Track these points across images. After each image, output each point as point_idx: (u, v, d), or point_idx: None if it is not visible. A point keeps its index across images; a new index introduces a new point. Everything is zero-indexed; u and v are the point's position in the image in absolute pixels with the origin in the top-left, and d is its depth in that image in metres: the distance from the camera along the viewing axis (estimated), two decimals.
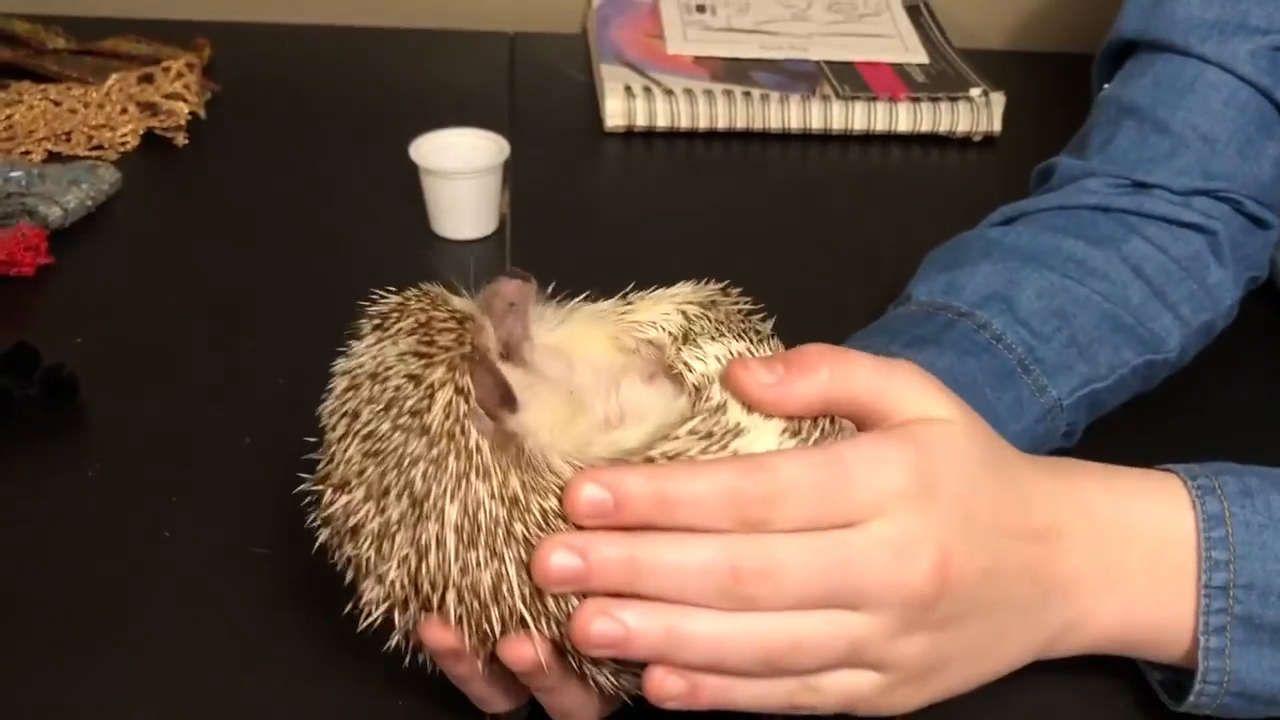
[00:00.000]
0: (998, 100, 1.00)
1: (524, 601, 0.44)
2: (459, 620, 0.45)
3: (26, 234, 0.80)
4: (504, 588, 0.44)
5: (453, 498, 0.44)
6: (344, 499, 0.46)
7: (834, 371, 0.46)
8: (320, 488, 0.48)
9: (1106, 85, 0.77)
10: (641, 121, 0.98)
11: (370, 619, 0.47)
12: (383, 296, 0.50)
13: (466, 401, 0.45)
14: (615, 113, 0.98)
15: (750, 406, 0.46)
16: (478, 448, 0.45)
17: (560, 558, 0.43)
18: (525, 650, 0.45)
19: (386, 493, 0.45)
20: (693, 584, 0.43)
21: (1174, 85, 0.71)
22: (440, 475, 0.44)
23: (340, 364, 0.49)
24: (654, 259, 0.85)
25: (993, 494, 0.47)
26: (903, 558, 0.44)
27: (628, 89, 0.98)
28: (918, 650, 0.46)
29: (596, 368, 0.51)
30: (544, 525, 0.44)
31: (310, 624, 0.58)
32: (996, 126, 1.01)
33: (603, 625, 0.43)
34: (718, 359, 0.49)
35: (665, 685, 0.44)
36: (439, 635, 0.46)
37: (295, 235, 0.87)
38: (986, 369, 0.62)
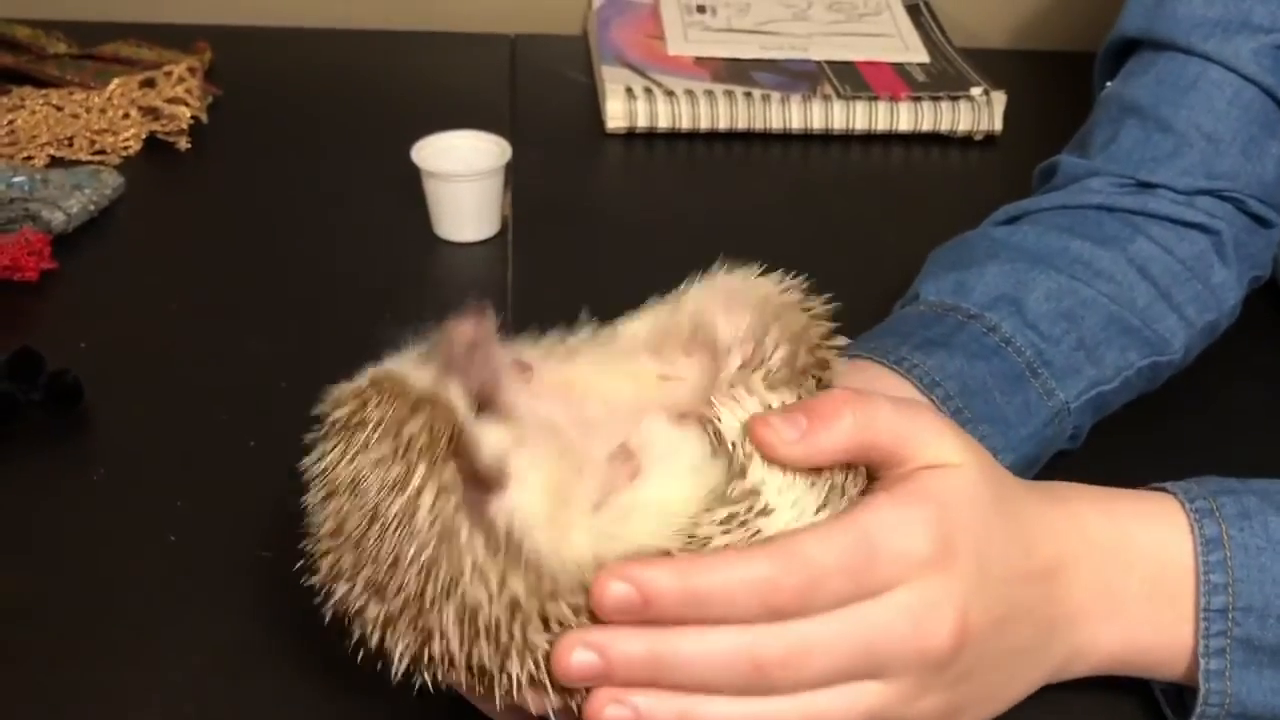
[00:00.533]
0: (998, 99, 1.00)
1: (532, 678, 0.44)
2: (469, 688, 0.46)
3: (30, 239, 0.80)
4: (509, 671, 0.44)
5: (449, 598, 0.44)
6: (343, 588, 0.46)
7: (857, 418, 0.46)
8: (316, 578, 0.47)
9: (1109, 83, 0.77)
10: (643, 123, 0.99)
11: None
12: (335, 394, 0.47)
13: (453, 497, 0.44)
14: (616, 114, 0.98)
15: (773, 463, 0.45)
16: (469, 547, 0.44)
17: (580, 656, 0.43)
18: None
19: (383, 590, 0.45)
20: (714, 675, 0.43)
21: (1177, 84, 0.71)
22: (435, 577, 0.44)
23: (312, 468, 0.47)
24: (656, 260, 0.84)
25: (1002, 538, 0.47)
26: (924, 624, 0.44)
27: (629, 90, 0.99)
28: (933, 707, 0.46)
29: (612, 403, 0.49)
30: (547, 627, 0.44)
31: (316, 628, 0.58)
32: (998, 125, 1.01)
33: (615, 712, 0.43)
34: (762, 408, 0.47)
35: None
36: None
37: (298, 238, 0.88)
38: (996, 372, 0.62)
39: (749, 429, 0.45)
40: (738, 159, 0.99)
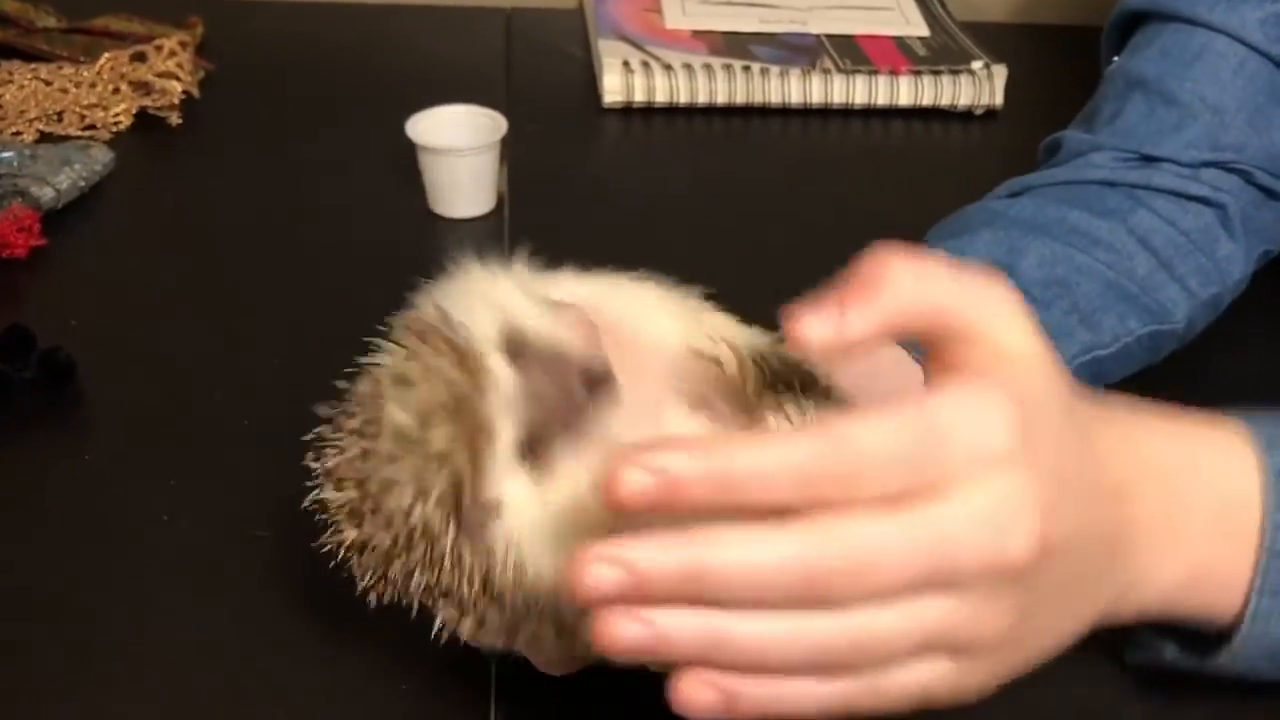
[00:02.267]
0: (999, 73, 0.99)
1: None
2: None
3: (19, 215, 0.79)
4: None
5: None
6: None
7: (910, 283, 0.39)
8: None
9: (1116, 58, 0.76)
10: (640, 97, 0.97)
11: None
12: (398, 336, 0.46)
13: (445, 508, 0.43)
14: (614, 89, 0.97)
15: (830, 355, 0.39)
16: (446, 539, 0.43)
17: (601, 571, 0.35)
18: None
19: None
20: (758, 587, 0.36)
21: (1182, 55, 0.70)
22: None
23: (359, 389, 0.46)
24: (654, 235, 0.84)
25: (1078, 448, 0.42)
26: (1005, 530, 0.38)
27: (626, 64, 0.97)
28: (999, 629, 0.40)
29: (642, 381, 0.46)
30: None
31: (312, 607, 0.57)
32: (998, 100, 1.00)
33: (630, 630, 0.36)
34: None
35: (695, 697, 0.37)
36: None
37: (291, 214, 0.87)
38: None
39: (787, 335, 0.39)
40: (736, 134, 0.98)
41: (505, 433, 0.43)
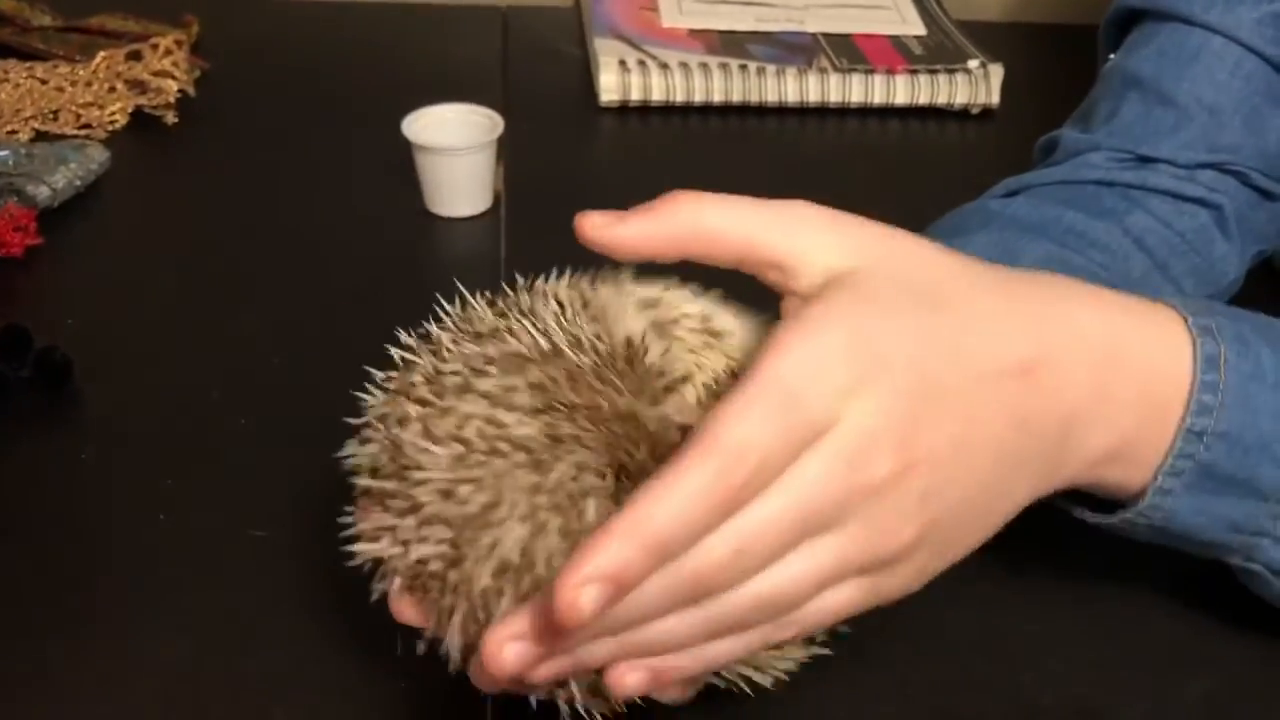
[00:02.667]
0: (996, 72, 0.99)
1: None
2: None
3: (15, 214, 0.79)
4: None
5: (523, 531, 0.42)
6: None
7: (707, 211, 0.43)
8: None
9: (1112, 56, 0.76)
10: (636, 96, 0.97)
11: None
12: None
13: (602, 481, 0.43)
14: (610, 87, 0.97)
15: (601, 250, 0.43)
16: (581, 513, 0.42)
17: (511, 650, 0.40)
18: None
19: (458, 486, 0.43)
20: (653, 607, 0.40)
21: (1179, 55, 0.70)
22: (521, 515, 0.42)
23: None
24: None
25: (950, 339, 0.42)
26: (860, 459, 0.40)
27: (622, 63, 0.97)
28: (900, 541, 0.42)
29: None
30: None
31: (309, 607, 0.57)
32: (995, 99, 1.00)
33: (554, 665, 0.41)
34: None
35: (627, 681, 0.41)
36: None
37: (287, 213, 0.86)
38: None
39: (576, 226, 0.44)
40: (733, 133, 0.98)
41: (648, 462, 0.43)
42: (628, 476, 0.43)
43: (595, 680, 0.43)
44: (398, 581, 0.46)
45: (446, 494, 0.43)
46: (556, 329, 0.45)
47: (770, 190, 0.92)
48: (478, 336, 0.46)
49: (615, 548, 0.38)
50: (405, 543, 0.44)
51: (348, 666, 0.55)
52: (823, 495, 0.40)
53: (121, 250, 0.83)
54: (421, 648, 0.47)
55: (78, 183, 0.84)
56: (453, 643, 0.44)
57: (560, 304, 0.46)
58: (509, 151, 0.89)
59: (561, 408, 0.43)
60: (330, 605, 0.57)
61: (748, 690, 0.47)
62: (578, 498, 0.42)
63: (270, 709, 0.53)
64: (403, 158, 0.85)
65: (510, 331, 0.45)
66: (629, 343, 0.45)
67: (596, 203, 0.91)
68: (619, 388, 0.43)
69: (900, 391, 0.40)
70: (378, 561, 0.46)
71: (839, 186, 0.94)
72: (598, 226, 0.43)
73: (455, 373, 0.44)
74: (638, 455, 0.43)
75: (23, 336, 0.69)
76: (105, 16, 1.03)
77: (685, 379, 0.45)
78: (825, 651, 0.49)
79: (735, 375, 0.46)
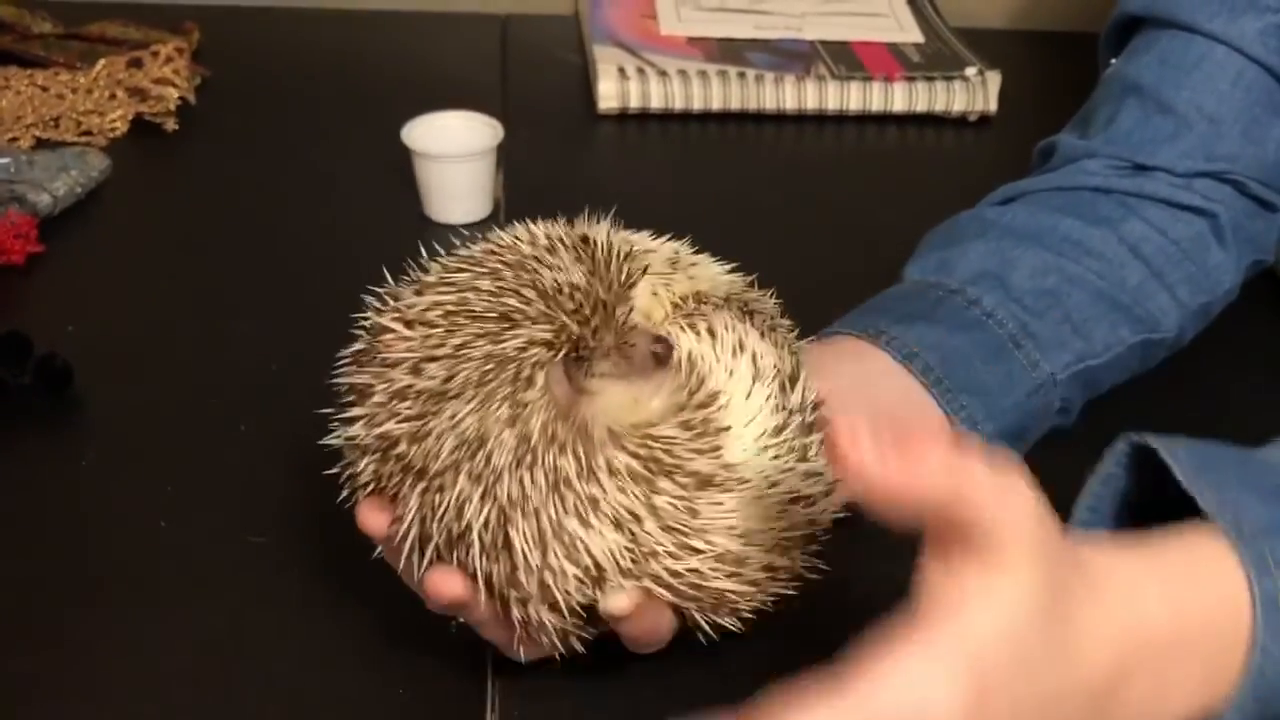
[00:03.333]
0: (993, 79, 1.00)
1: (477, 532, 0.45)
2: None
3: (16, 222, 0.79)
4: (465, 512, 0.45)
5: (468, 407, 0.45)
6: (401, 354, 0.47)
7: (951, 464, 0.40)
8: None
9: (1113, 61, 0.76)
10: (635, 103, 0.98)
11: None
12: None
13: (546, 353, 0.46)
14: (609, 95, 0.97)
15: (850, 478, 0.41)
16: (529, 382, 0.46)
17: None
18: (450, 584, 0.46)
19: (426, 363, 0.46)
20: None
21: (1180, 64, 0.70)
22: (479, 385, 0.45)
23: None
24: None
25: (1051, 663, 0.42)
26: None
27: (621, 70, 0.98)
28: None
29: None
30: (532, 473, 0.45)
31: (308, 612, 0.57)
32: (992, 106, 1.00)
33: None
34: (710, 332, 0.50)
35: None
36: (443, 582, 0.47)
37: (287, 220, 0.87)
38: (977, 343, 0.62)
39: (826, 437, 0.43)
40: (732, 140, 0.99)
41: (607, 340, 0.48)
42: (585, 347, 0.47)
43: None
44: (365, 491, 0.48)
45: (416, 370, 0.46)
46: (527, 237, 0.50)
47: (769, 197, 0.93)
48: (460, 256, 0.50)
49: None
50: (376, 422, 0.47)
51: (347, 672, 0.55)
52: None
53: (122, 257, 0.83)
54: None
55: (79, 190, 0.85)
56: (411, 532, 0.47)
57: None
58: (508, 159, 0.89)
59: (513, 290, 0.47)
60: (329, 610, 0.57)
61: (713, 635, 0.49)
62: (526, 368, 0.46)
63: (268, 712, 0.54)
64: (402, 165, 0.85)
65: (489, 241, 0.51)
66: (584, 237, 0.50)
67: (595, 209, 0.92)
68: (565, 264, 0.48)
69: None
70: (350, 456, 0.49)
71: (837, 194, 0.95)
72: (873, 463, 0.40)
73: (432, 275, 0.50)
74: (593, 322, 0.47)
75: (23, 343, 0.69)
76: (106, 24, 1.03)
77: (643, 268, 0.50)
78: (790, 592, 0.50)
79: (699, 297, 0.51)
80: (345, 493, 0.50)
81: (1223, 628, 0.46)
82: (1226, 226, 0.69)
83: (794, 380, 0.50)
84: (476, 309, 0.46)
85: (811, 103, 0.99)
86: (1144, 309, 0.67)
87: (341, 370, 0.49)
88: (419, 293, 0.48)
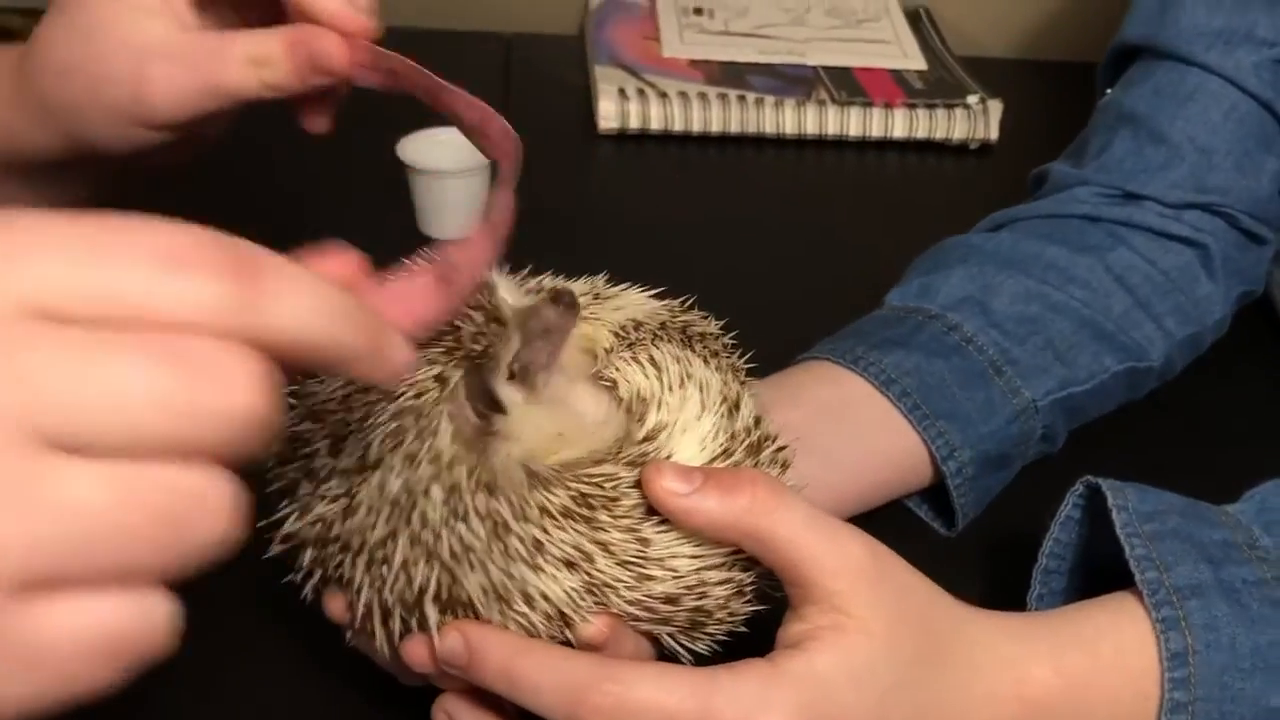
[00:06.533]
0: (995, 108, 0.99)
1: (432, 595, 0.44)
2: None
3: None
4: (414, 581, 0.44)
5: (392, 475, 0.44)
6: (311, 428, 0.46)
7: (758, 504, 0.44)
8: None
9: (1109, 90, 0.76)
10: (635, 124, 0.98)
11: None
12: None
13: (442, 391, 0.44)
14: (608, 115, 0.97)
15: (659, 511, 0.45)
16: (439, 432, 0.44)
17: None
18: (418, 653, 0.45)
19: (341, 444, 0.45)
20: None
21: (1174, 95, 0.70)
22: (393, 450, 0.44)
23: None
24: (644, 261, 0.84)
25: (908, 712, 0.44)
26: None
27: (621, 91, 0.98)
28: None
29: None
30: (468, 523, 0.44)
31: (302, 620, 0.57)
32: (993, 134, 1.00)
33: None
34: (653, 363, 0.48)
35: None
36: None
37: (281, 234, 0.86)
38: (956, 370, 0.62)
39: (642, 473, 0.45)
40: (731, 162, 0.99)
41: (504, 354, 0.46)
42: (483, 370, 0.45)
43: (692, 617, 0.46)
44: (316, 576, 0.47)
45: (334, 453, 0.45)
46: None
47: (765, 220, 0.92)
48: None
49: (492, 641, 0.43)
50: (307, 509, 0.45)
51: (347, 671, 0.54)
52: None
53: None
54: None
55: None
56: (372, 611, 0.46)
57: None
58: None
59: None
60: (318, 618, 0.56)
61: (688, 656, 0.48)
62: (429, 414, 0.44)
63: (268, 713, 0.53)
64: (399, 180, 0.85)
65: None
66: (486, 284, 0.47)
67: (587, 228, 0.92)
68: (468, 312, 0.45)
69: None
70: (294, 554, 0.47)
71: (835, 219, 0.95)
72: (670, 493, 0.44)
73: None
74: (481, 344, 0.45)
75: None
76: None
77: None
78: (760, 607, 0.49)
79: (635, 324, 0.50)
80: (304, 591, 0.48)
81: (1124, 698, 0.47)
82: (1216, 258, 0.68)
83: (739, 405, 0.49)
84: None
85: (811, 127, 0.99)
86: (1129, 337, 0.66)
87: (270, 473, 0.47)
88: (321, 381, 0.46)
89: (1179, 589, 0.47)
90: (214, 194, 0.91)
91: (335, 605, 0.47)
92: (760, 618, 0.48)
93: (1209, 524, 0.50)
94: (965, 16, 1.16)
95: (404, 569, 0.44)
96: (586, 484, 0.45)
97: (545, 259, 0.86)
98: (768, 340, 0.65)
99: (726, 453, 0.47)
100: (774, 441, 0.50)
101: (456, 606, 0.44)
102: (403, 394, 0.44)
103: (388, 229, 0.86)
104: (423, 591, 0.44)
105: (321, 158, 0.94)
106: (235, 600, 0.58)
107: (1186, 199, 0.68)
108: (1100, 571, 0.51)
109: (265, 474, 0.47)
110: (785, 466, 0.50)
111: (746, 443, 0.48)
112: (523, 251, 0.86)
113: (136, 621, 0.27)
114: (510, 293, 0.48)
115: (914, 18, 1.13)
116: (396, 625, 0.45)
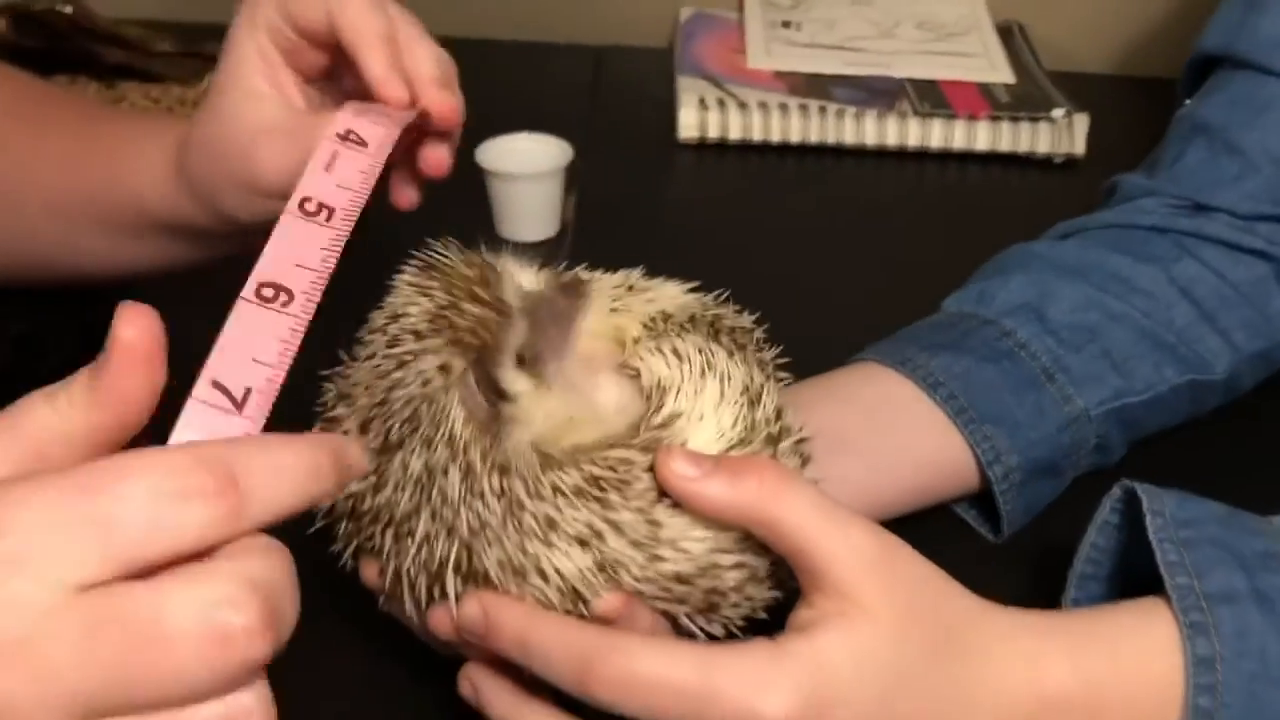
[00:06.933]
0: (1081, 121, 0.98)
1: (456, 566, 0.46)
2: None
3: None
4: (438, 554, 0.46)
5: (414, 456, 0.46)
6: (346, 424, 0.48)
7: (765, 489, 0.44)
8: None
9: (1188, 101, 0.74)
10: (714, 133, 0.99)
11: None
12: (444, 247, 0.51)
13: (448, 378, 0.46)
14: (688, 124, 0.99)
15: (668, 495, 0.46)
16: (452, 417, 0.46)
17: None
18: (442, 621, 0.47)
19: (368, 426, 0.47)
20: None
21: (1250, 104, 0.68)
22: (412, 431, 0.46)
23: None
24: (712, 267, 0.85)
25: (914, 703, 0.44)
26: None
27: (701, 101, 0.99)
28: None
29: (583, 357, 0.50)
30: (485, 500, 0.45)
31: (303, 621, 0.59)
32: (1079, 148, 0.98)
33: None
34: (675, 354, 0.49)
35: None
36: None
37: (375, 230, 0.89)
38: (1006, 375, 0.61)
39: (655, 456, 0.46)
40: (810, 172, 0.99)
41: (510, 342, 0.48)
42: (487, 358, 0.47)
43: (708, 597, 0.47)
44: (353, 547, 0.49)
45: (363, 432, 0.47)
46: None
47: (843, 231, 0.92)
48: None
49: (507, 611, 0.45)
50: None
51: (346, 669, 0.56)
52: None
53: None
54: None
55: None
56: (401, 579, 0.48)
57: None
58: (585, 182, 0.91)
59: (410, 332, 0.47)
60: (323, 619, 0.58)
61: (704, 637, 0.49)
62: (441, 399, 0.46)
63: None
64: (478, 183, 0.87)
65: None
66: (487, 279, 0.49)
67: (661, 233, 0.93)
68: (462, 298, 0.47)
69: None
70: (334, 527, 0.50)
71: (915, 230, 0.95)
72: (680, 476, 0.45)
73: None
74: (484, 334, 0.47)
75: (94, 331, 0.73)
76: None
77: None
78: (777, 594, 0.49)
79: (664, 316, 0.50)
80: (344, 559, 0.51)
81: (1144, 704, 0.46)
82: None
83: (761, 397, 0.49)
84: (384, 366, 0.47)
85: (892, 139, 0.99)
86: (1191, 350, 0.65)
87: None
88: (352, 361, 0.49)
89: (1210, 595, 0.46)
90: None
91: (370, 572, 0.49)
92: (780, 606, 0.49)
93: (1249, 533, 0.49)
94: (1060, 32, 1.15)
95: (427, 542, 0.46)
96: (599, 467, 0.46)
97: (615, 262, 0.88)
98: (839, 348, 0.65)
99: (744, 442, 0.48)
100: (796, 435, 0.50)
101: (476, 579, 0.46)
102: (411, 384, 0.46)
103: (468, 231, 0.88)
104: (444, 564, 0.46)
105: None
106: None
107: (1260, 210, 0.67)
108: (1140, 582, 0.50)
109: None
110: (805, 459, 0.50)
111: (765, 434, 0.48)
112: (593, 255, 0.88)
113: None
114: (520, 280, 0.50)
115: (1006, 32, 1.12)
116: (423, 594, 0.47)
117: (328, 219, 0.43)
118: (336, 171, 0.47)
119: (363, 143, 0.48)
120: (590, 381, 0.49)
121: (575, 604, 0.46)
